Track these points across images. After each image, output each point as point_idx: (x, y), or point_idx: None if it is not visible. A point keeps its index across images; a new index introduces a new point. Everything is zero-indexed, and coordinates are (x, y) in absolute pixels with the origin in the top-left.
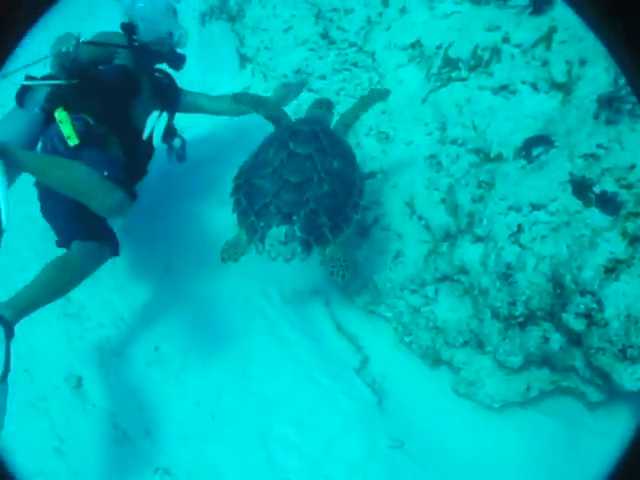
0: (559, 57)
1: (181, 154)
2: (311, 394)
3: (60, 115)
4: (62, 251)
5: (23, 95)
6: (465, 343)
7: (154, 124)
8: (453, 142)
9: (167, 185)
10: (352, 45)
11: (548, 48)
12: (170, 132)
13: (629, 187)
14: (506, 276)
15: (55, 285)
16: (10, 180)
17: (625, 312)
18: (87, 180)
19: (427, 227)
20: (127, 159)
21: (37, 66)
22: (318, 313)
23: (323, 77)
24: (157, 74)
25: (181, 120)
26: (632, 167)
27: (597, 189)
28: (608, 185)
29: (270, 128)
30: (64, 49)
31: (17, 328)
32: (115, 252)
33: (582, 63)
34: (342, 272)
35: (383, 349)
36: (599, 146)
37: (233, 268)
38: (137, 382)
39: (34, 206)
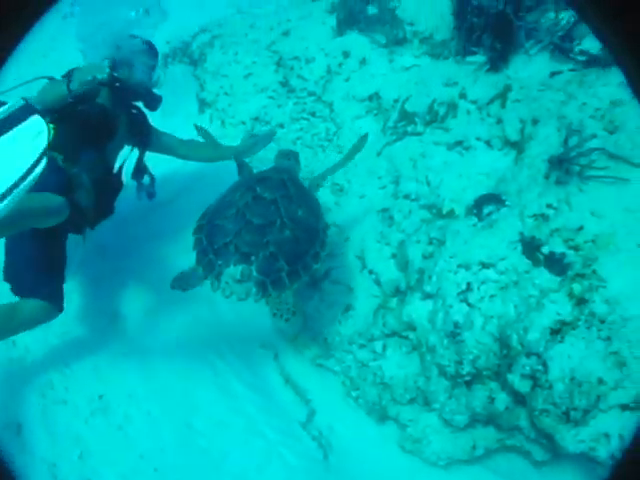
0: (513, 115)
1: (151, 191)
2: (257, 449)
3: None
4: None
5: None
6: (412, 400)
7: (124, 159)
8: (406, 197)
9: (132, 226)
10: (311, 94)
11: (503, 106)
12: (140, 169)
13: (576, 248)
14: (454, 334)
15: None
16: None
17: (569, 375)
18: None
19: (377, 282)
20: (96, 193)
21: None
22: (267, 366)
23: (281, 125)
24: (133, 110)
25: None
26: (579, 228)
27: (546, 249)
28: (556, 246)
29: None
30: (99, 77)
31: None
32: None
33: (535, 122)
34: (286, 315)
35: (331, 403)
36: (549, 206)
37: (182, 318)
38: (79, 431)
39: None
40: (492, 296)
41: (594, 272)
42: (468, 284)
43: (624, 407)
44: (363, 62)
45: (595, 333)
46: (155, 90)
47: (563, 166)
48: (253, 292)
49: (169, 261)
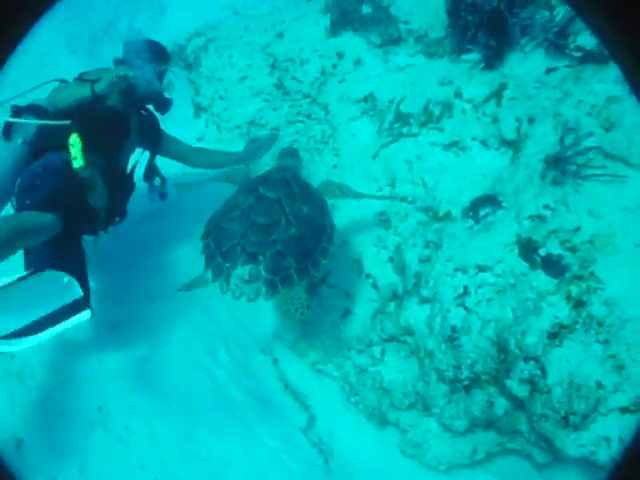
0: (509, 114)
1: (163, 192)
2: (258, 457)
3: (74, 140)
4: None
5: (9, 129)
6: (411, 405)
7: (136, 160)
8: (402, 199)
9: (130, 236)
10: (306, 96)
11: (498, 104)
12: (152, 171)
13: (574, 250)
14: (451, 339)
15: None
16: None
17: (568, 379)
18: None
19: (375, 286)
20: (110, 196)
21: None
22: (266, 372)
23: (277, 129)
24: (144, 112)
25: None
26: (577, 229)
27: (543, 251)
28: (553, 247)
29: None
30: (121, 79)
31: None
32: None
33: (531, 121)
34: (301, 310)
35: (330, 408)
36: (546, 207)
37: (180, 327)
38: (79, 443)
39: None
40: (489, 300)
41: (592, 274)
42: (465, 288)
43: (624, 410)
44: (357, 63)
45: (593, 336)
46: (166, 94)
47: (559, 166)
48: (263, 291)
49: (167, 271)
